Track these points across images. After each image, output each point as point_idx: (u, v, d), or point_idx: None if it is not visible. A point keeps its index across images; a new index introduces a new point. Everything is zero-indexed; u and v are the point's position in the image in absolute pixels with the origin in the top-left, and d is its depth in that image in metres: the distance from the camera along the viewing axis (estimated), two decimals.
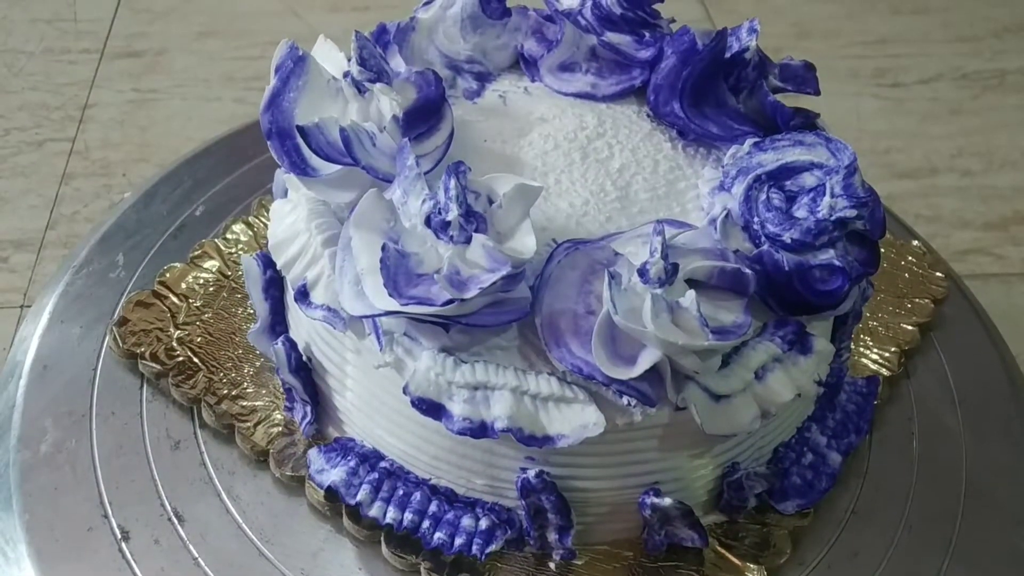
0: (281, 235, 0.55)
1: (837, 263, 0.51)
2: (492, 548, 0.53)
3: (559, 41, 0.62)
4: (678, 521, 0.54)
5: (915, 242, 0.75)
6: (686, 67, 0.58)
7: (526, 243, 0.49)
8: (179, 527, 0.56)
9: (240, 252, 0.69)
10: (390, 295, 0.47)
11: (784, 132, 0.57)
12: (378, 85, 0.53)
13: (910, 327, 0.68)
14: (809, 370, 0.51)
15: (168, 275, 0.67)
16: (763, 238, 0.52)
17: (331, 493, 0.55)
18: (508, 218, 0.49)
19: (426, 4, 0.63)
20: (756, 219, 0.52)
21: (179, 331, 0.64)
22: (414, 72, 0.56)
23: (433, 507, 0.54)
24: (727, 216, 0.52)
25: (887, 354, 0.66)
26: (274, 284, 0.59)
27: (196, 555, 0.55)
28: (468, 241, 0.47)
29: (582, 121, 0.60)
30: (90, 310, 0.66)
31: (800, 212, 0.52)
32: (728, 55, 0.59)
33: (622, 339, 0.48)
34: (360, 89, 0.53)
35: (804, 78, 0.60)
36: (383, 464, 0.56)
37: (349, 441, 0.57)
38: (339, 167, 0.52)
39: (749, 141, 0.56)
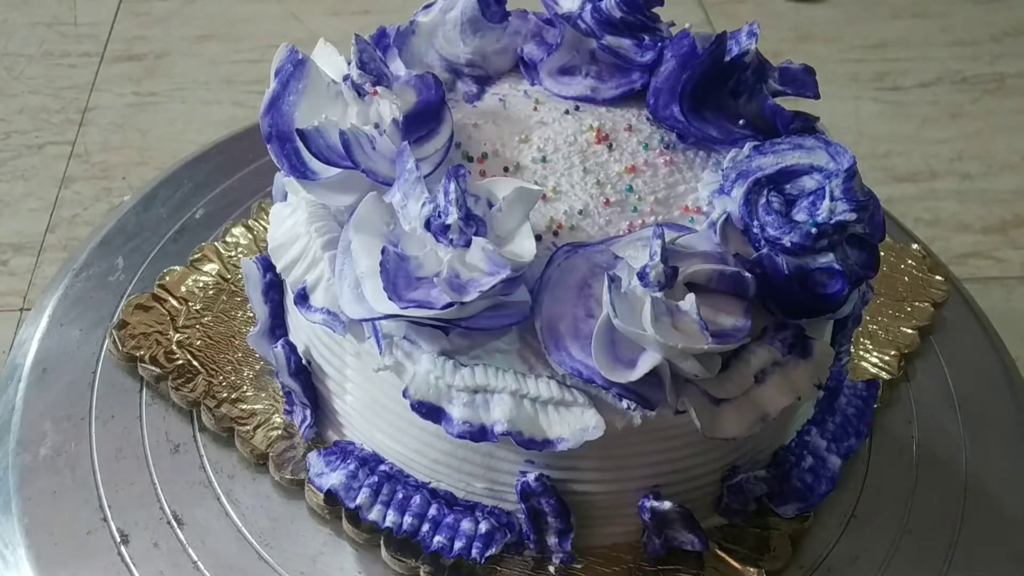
0: (281, 238, 0.55)
1: (837, 267, 0.51)
2: (492, 552, 0.53)
3: (559, 45, 0.62)
4: (678, 524, 0.54)
5: (915, 246, 0.75)
6: (686, 71, 0.59)
7: (525, 246, 0.49)
8: (178, 530, 0.56)
9: (240, 255, 0.69)
10: (390, 298, 0.47)
11: (784, 136, 0.57)
12: (378, 88, 0.54)
13: (910, 331, 0.68)
14: (809, 373, 0.51)
15: (168, 278, 0.67)
16: (763, 241, 0.52)
17: (331, 496, 0.55)
18: (508, 222, 0.49)
19: (426, 8, 0.63)
20: (756, 222, 0.52)
21: (179, 334, 0.64)
22: (414, 76, 0.56)
23: (433, 511, 0.54)
24: (727, 219, 0.52)
25: (887, 357, 0.66)
26: (274, 287, 0.59)
27: (195, 558, 0.55)
28: (468, 244, 0.47)
29: (581, 124, 0.60)
30: (90, 313, 0.66)
31: (800, 215, 0.52)
32: (728, 59, 0.59)
33: (622, 342, 0.48)
34: (360, 92, 0.54)
35: (804, 82, 0.60)
36: (383, 467, 0.56)
37: (349, 444, 0.57)
38: (339, 170, 0.53)
39: (749, 145, 0.56)
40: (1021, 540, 0.59)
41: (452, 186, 0.48)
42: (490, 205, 0.50)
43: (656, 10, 0.63)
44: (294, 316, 0.58)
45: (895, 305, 0.70)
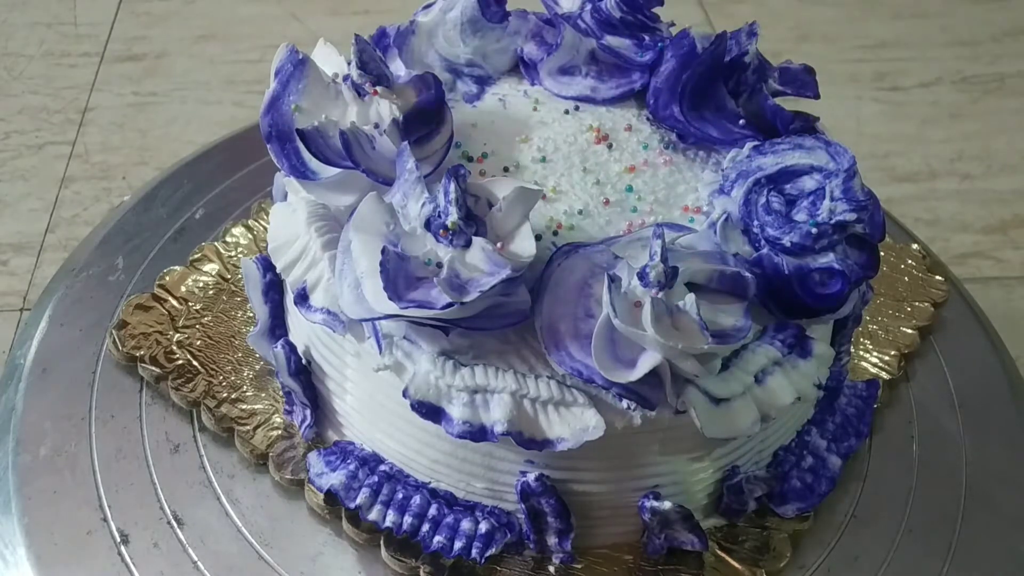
0: (281, 238, 0.55)
1: (837, 266, 0.51)
2: (492, 552, 0.53)
3: (559, 45, 0.62)
4: (678, 525, 0.54)
5: (915, 246, 0.75)
6: (686, 71, 0.59)
7: (525, 246, 0.49)
8: (178, 530, 0.56)
9: (240, 255, 0.69)
10: (390, 298, 0.47)
11: (784, 136, 0.57)
12: (378, 88, 0.54)
13: (910, 331, 0.68)
14: (809, 373, 0.51)
15: (168, 278, 0.67)
16: (763, 241, 0.52)
17: (331, 496, 0.55)
18: (508, 222, 0.49)
19: (426, 8, 0.63)
20: (756, 222, 0.52)
21: (179, 334, 0.64)
22: (414, 75, 0.56)
23: (433, 511, 0.54)
24: (727, 219, 0.52)
25: (887, 357, 0.66)
26: (274, 287, 0.59)
27: (195, 558, 0.55)
28: (468, 244, 0.47)
29: (581, 124, 0.60)
30: (90, 313, 0.66)
31: (800, 215, 0.52)
32: (728, 59, 0.59)
33: (622, 342, 0.48)
34: (360, 92, 0.54)
35: (804, 82, 0.60)
36: (383, 467, 0.55)
37: (349, 444, 0.57)
38: (339, 170, 0.53)
39: (749, 145, 0.56)
40: (1021, 540, 0.59)
41: (452, 186, 0.48)
42: (490, 205, 0.50)
43: (656, 10, 0.63)
44: (294, 316, 0.58)
45: (895, 305, 0.70)
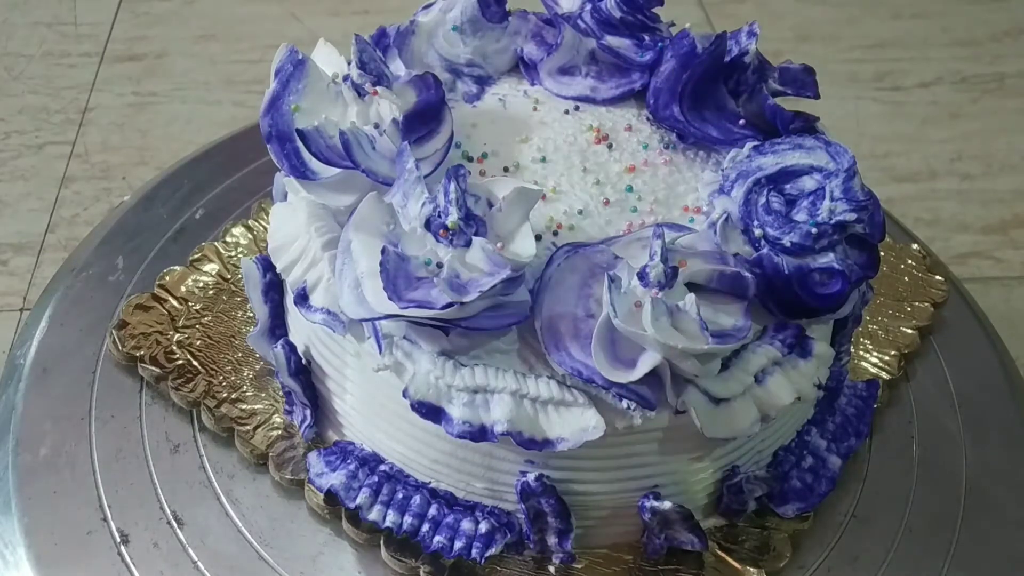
0: (281, 238, 0.55)
1: (837, 266, 0.51)
2: (492, 552, 0.53)
3: (559, 45, 0.62)
4: (678, 524, 0.54)
5: (915, 246, 0.75)
6: (686, 71, 0.59)
7: (526, 246, 0.49)
8: (178, 530, 0.56)
9: (240, 255, 0.69)
10: (390, 298, 0.47)
11: (784, 136, 0.57)
12: (378, 88, 0.54)
13: (910, 331, 0.68)
14: (809, 373, 0.51)
15: (168, 278, 0.67)
16: (763, 241, 0.52)
17: (331, 496, 0.55)
18: (508, 222, 0.49)
19: (426, 8, 0.63)
20: (756, 222, 0.52)
21: (179, 334, 0.64)
22: (414, 75, 0.56)
23: (433, 511, 0.54)
24: (727, 219, 0.52)
25: (887, 358, 0.66)
26: (274, 287, 0.59)
27: (195, 558, 0.55)
28: (468, 244, 0.47)
29: (581, 124, 0.60)
30: (90, 313, 0.66)
31: (800, 215, 0.52)
32: (728, 59, 0.59)
33: (622, 342, 0.48)
34: (360, 92, 0.54)
35: (804, 82, 0.60)
36: (383, 467, 0.56)
37: (349, 444, 0.57)
38: (339, 170, 0.53)
39: (749, 144, 0.56)
40: (1021, 540, 0.59)
41: (452, 186, 0.48)
42: (490, 205, 0.50)
43: (656, 10, 0.63)
44: (294, 316, 0.58)
45: (895, 305, 0.70)
